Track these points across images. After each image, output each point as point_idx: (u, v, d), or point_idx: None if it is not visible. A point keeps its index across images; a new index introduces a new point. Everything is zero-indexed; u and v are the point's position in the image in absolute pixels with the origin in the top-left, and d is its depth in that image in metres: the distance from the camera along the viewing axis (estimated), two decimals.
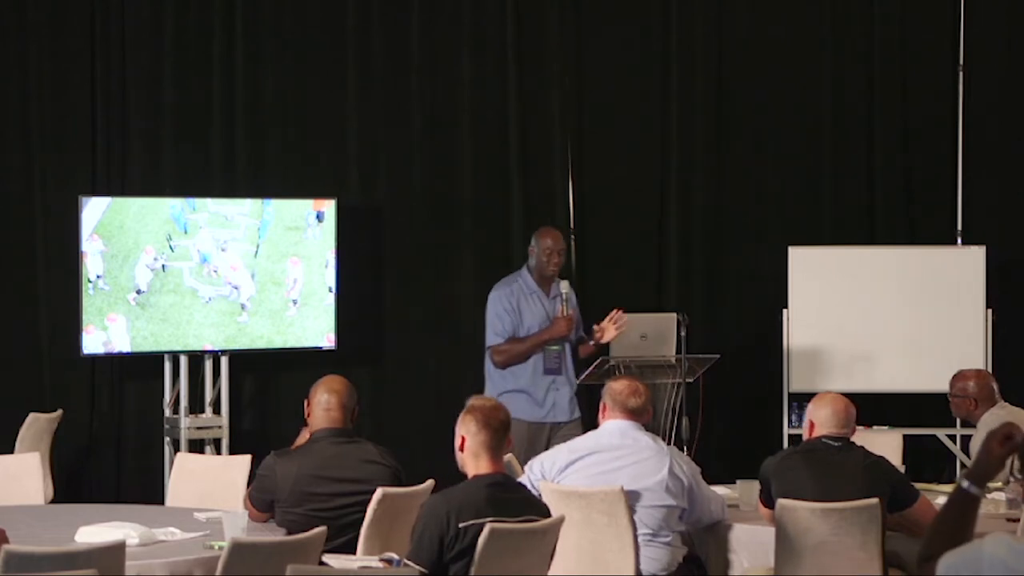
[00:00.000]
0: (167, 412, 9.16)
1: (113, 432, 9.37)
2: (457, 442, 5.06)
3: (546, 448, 7.54)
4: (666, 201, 10.19)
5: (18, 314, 9.26)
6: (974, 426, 7.35)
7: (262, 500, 5.78)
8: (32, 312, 9.26)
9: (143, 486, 9.15)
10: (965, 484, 3.22)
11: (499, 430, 5.02)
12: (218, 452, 9.01)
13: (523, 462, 6.80)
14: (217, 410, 9.22)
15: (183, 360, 9.11)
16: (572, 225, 10.01)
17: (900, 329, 9.53)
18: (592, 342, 8.25)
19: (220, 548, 5.01)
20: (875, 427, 8.93)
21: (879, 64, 10.32)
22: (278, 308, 9.23)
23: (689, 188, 10.19)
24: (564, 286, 8.10)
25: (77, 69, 9.34)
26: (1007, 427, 3.26)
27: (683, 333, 8.30)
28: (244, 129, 9.62)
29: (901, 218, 10.32)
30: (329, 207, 9.32)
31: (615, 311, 8.20)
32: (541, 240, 8.22)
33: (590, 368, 8.21)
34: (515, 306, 8.08)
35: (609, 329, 8.15)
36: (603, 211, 10.10)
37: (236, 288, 9.12)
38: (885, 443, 7.39)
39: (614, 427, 6.10)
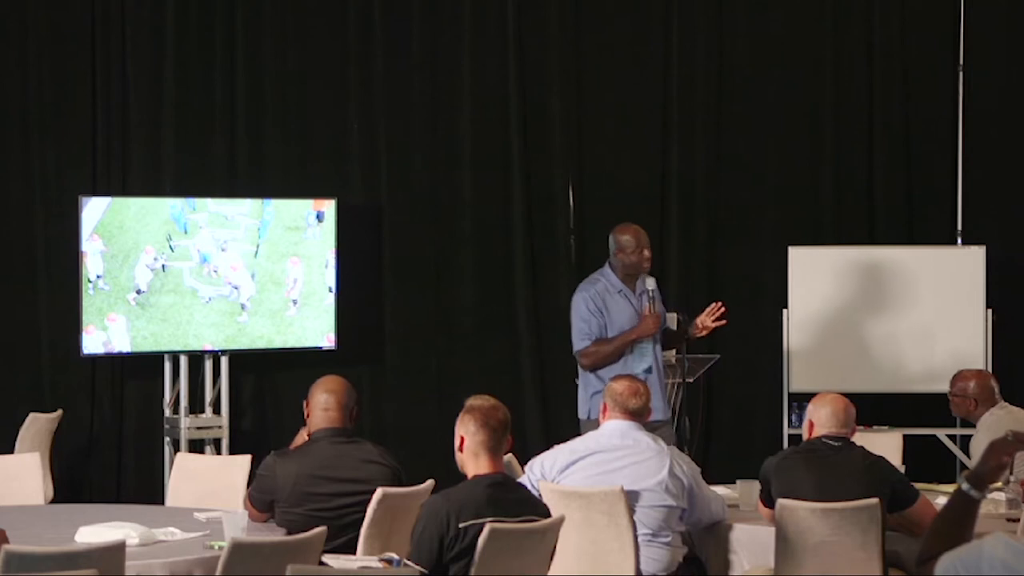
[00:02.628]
0: (167, 412, 9.17)
1: (113, 432, 9.37)
2: (456, 442, 5.06)
3: None
4: (666, 201, 10.19)
5: (18, 314, 9.26)
6: (974, 426, 7.34)
7: (262, 500, 5.78)
8: (32, 312, 9.26)
9: (143, 486, 9.16)
10: (965, 487, 3.22)
11: (498, 430, 5.02)
12: (218, 452, 9.01)
13: None
14: (217, 410, 9.22)
15: (183, 360, 9.11)
16: (572, 225, 10.02)
17: (900, 329, 9.53)
18: (687, 337, 7.89)
19: (220, 548, 5.01)
20: (875, 427, 8.92)
21: (879, 64, 10.32)
22: (278, 308, 9.23)
23: (689, 188, 10.19)
24: (650, 283, 7.68)
25: (77, 69, 9.34)
26: (1014, 445, 3.27)
27: None
28: (244, 129, 9.63)
29: (901, 218, 10.32)
30: (329, 207, 9.32)
31: (714, 304, 7.85)
32: (626, 237, 7.74)
33: None
34: (601, 306, 7.67)
35: (708, 322, 7.80)
36: (603, 211, 10.09)
37: (236, 288, 9.13)
38: (885, 443, 7.39)
39: (614, 427, 6.10)
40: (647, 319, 7.62)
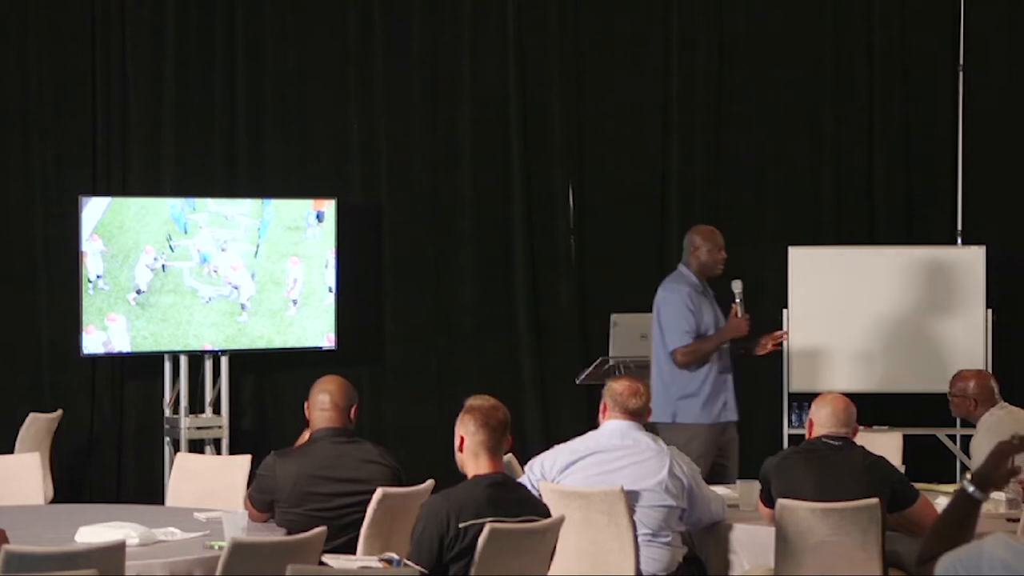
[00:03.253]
0: (167, 412, 9.17)
1: (113, 432, 9.37)
2: (456, 442, 5.06)
3: (719, 450, 7.61)
4: (666, 201, 10.19)
5: (18, 314, 9.26)
6: (974, 426, 7.34)
7: (262, 500, 5.78)
8: (32, 312, 9.26)
9: (143, 486, 9.16)
10: (970, 488, 3.22)
11: (497, 429, 5.01)
12: (218, 452, 9.01)
13: (706, 468, 6.82)
14: (217, 410, 9.22)
15: (183, 360, 9.11)
16: (572, 225, 10.02)
17: (900, 329, 9.53)
18: (749, 353, 7.95)
19: (220, 548, 5.01)
20: (875, 427, 8.92)
21: (879, 64, 10.32)
22: (278, 308, 9.23)
23: (689, 188, 10.20)
24: (737, 285, 7.70)
25: (77, 69, 9.34)
26: (1019, 448, 3.27)
27: None
28: (244, 129, 9.63)
29: (901, 218, 10.32)
30: (329, 207, 9.32)
31: (781, 333, 8.05)
32: (706, 238, 7.78)
33: (590, 368, 8.21)
34: (698, 304, 7.67)
35: (768, 345, 7.88)
36: (603, 211, 10.11)
37: (236, 288, 9.13)
38: (885, 443, 7.39)
39: (614, 427, 6.10)
40: (739, 321, 7.64)
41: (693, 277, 7.73)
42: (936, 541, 3.14)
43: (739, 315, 7.63)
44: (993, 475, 3.25)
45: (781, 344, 7.86)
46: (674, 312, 7.64)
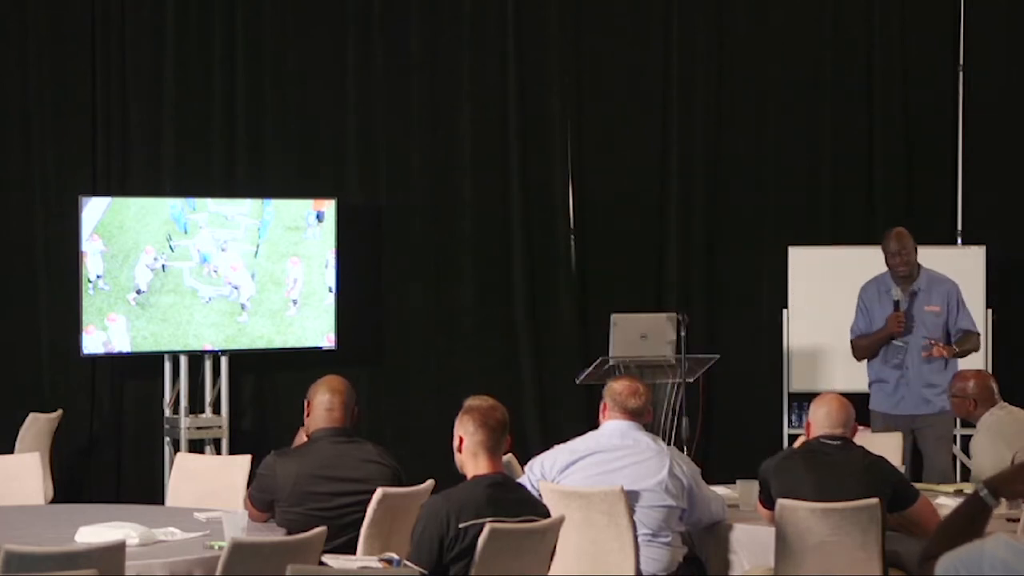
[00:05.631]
0: (167, 412, 9.17)
1: (113, 432, 9.37)
2: (455, 442, 5.06)
3: (913, 440, 8.10)
4: (666, 201, 10.20)
5: (18, 314, 9.26)
6: (974, 426, 7.34)
7: (262, 500, 5.78)
8: (32, 312, 9.26)
9: (143, 486, 9.15)
10: (984, 493, 3.21)
11: (496, 429, 5.01)
12: (218, 452, 9.01)
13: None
14: (217, 410, 9.22)
15: (183, 360, 9.11)
16: (572, 225, 10.02)
17: None
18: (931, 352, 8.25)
19: (220, 548, 5.00)
20: None
21: (879, 64, 10.32)
22: (278, 308, 9.23)
23: (689, 188, 10.20)
24: (896, 292, 8.25)
25: (77, 69, 9.34)
26: None
27: (683, 333, 8.29)
28: (244, 129, 9.63)
29: (901, 218, 10.30)
30: (329, 207, 9.32)
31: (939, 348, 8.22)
32: (888, 242, 8.33)
33: (590, 368, 8.21)
34: (869, 304, 8.35)
35: (937, 350, 8.19)
36: (603, 211, 10.11)
37: (236, 288, 9.13)
38: (885, 443, 7.38)
39: (614, 427, 6.10)
40: (889, 320, 8.21)
41: (888, 279, 8.36)
42: (942, 541, 3.14)
43: (896, 314, 8.20)
44: (1011, 486, 3.24)
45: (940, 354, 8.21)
46: (856, 309, 8.43)
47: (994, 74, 10.35)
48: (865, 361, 8.40)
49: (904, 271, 8.24)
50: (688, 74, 10.21)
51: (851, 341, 8.42)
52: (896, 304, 8.19)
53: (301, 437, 6.14)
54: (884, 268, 8.43)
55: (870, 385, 8.36)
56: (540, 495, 5.68)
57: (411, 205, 9.89)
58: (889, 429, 8.08)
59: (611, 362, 8.18)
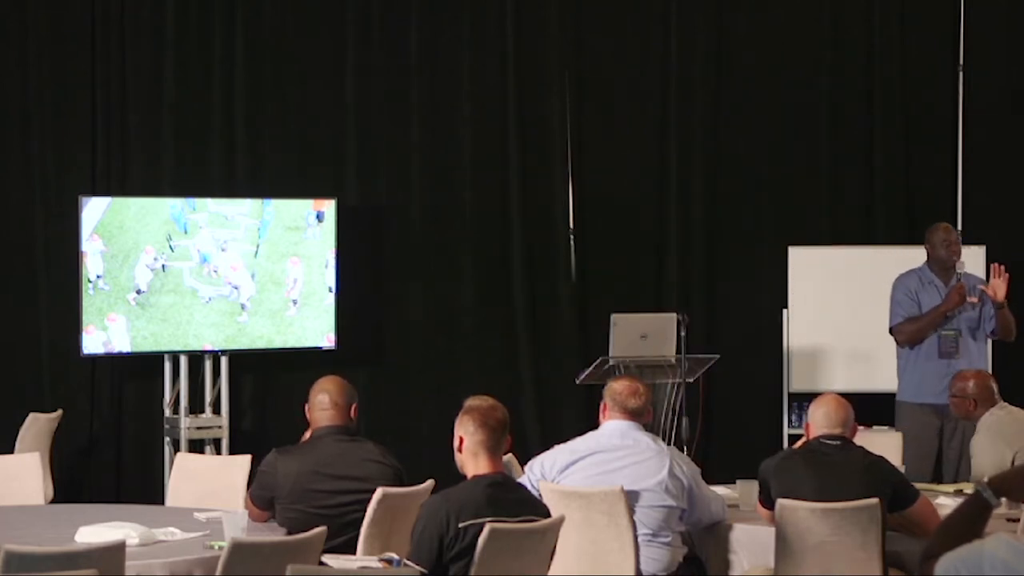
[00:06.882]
0: (167, 412, 9.16)
1: (113, 432, 9.37)
2: (456, 442, 5.06)
3: (951, 432, 8.14)
4: (666, 201, 10.20)
5: (18, 314, 9.26)
6: (974, 426, 7.34)
7: (263, 497, 5.78)
8: (32, 312, 9.26)
9: (143, 486, 9.16)
10: (986, 493, 3.21)
11: (496, 429, 5.01)
12: (218, 452, 9.01)
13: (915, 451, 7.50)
14: (217, 410, 9.22)
15: (183, 360, 9.11)
16: (572, 225, 10.02)
17: None
18: (993, 305, 8.37)
19: (220, 548, 5.01)
20: (875, 427, 8.91)
21: (879, 64, 10.32)
22: (278, 308, 9.23)
23: (689, 188, 10.20)
24: (959, 266, 8.39)
25: (77, 69, 9.34)
26: None
27: (683, 333, 8.29)
28: (244, 129, 9.63)
29: (901, 218, 10.32)
30: (329, 207, 9.32)
31: (996, 266, 8.36)
32: (937, 234, 8.44)
33: (590, 368, 8.21)
34: (915, 292, 8.42)
35: (999, 285, 8.31)
36: (603, 211, 10.11)
37: (236, 288, 9.13)
38: (885, 443, 7.38)
39: (614, 427, 6.10)
40: (951, 292, 8.31)
41: (928, 271, 8.47)
42: (943, 540, 3.13)
43: (956, 288, 8.30)
44: (1013, 487, 3.24)
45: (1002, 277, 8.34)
46: (893, 297, 8.50)
47: (994, 74, 10.34)
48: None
49: (959, 258, 8.39)
50: (688, 74, 10.21)
51: (896, 327, 8.41)
52: (958, 277, 8.31)
53: (307, 438, 6.14)
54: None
55: (902, 377, 8.40)
56: (540, 495, 5.68)
57: (411, 205, 9.89)
58: (925, 420, 8.15)
59: (611, 362, 8.18)
